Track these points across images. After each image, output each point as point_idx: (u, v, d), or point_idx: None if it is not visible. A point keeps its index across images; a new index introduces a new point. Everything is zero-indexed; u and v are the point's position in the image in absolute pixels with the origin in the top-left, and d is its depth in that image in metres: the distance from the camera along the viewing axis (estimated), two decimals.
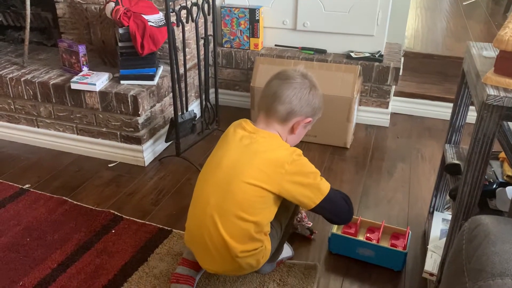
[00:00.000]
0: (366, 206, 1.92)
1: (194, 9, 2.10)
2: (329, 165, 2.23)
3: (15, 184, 2.04)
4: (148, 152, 2.23)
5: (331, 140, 2.38)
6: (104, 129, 2.21)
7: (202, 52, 2.25)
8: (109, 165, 2.22)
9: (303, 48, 2.63)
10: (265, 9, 2.64)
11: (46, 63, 2.44)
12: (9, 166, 2.21)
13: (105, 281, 1.51)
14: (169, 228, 1.76)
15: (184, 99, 2.20)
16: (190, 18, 2.08)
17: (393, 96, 2.71)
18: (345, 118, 2.31)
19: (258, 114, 1.39)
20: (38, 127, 2.35)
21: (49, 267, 1.56)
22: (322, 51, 2.61)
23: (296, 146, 1.38)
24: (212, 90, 2.51)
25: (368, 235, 1.61)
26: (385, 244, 1.56)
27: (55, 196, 1.96)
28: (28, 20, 2.30)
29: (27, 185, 2.04)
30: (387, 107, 2.59)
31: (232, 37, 2.71)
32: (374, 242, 1.54)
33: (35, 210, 1.86)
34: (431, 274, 1.41)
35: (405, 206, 1.93)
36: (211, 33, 2.27)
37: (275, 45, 2.72)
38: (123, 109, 2.11)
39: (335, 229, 1.64)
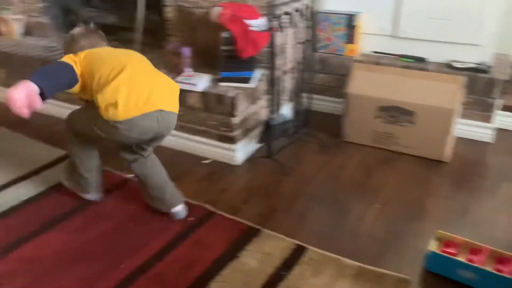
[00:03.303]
0: (465, 225, 1.82)
1: (293, 14, 2.14)
2: (424, 178, 2.14)
3: (120, 174, 2.22)
4: (241, 152, 2.31)
5: (427, 153, 2.28)
6: (201, 128, 2.32)
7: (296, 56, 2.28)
8: (204, 162, 2.33)
9: (402, 56, 2.55)
10: (363, 15, 2.61)
11: (154, 63, 2.61)
12: (116, 157, 2.40)
13: (199, 272, 1.59)
14: (258, 227, 1.80)
15: (278, 102, 2.24)
16: (291, 23, 2.12)
17: (501, 110, 2.52)
18: (444, 130, 2.20)
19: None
20: None
21: (148, 254, 1.68)
22: (422, 60, 2.51)
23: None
24: (305, 95, 2.53)
25: (470, 256, 1.52)
26: (489, 268, 1.46)
27: None
28: (141, 23, 2.49)
29: (131, 175, 2.20)
30: (491, 122, 2.42)
31: (327, 43, 2.70)
32: (477, 264, 1.45)
33: (137, 200, 2.01)
34: None
35: (511, 229, 1.79)
36: (310, 38, 2.29)
37: (373, 52, 2.66)
38: (220, 110, 2.20)
39: (434, 247, 1.57)
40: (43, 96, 1.48)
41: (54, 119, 2.86)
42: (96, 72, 1.64)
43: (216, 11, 2.18)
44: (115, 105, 1.57)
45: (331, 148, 2.42)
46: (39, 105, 1.47)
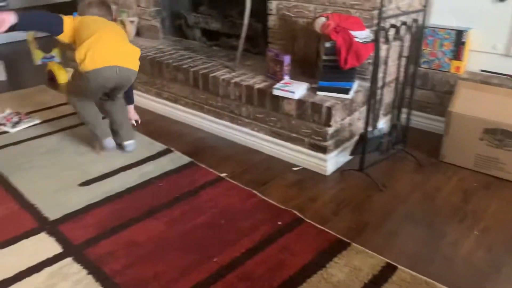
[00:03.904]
0: None
1: (400, 28, 2.09)
2: None
3: (214, 171, 2.32)
4: (332, 162, 2.30)
5: None
6: (294, 135, 2.35)
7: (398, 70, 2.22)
8: (293, 169, 2.35)
9: None
10: (473, 31, 2.47)
11: (252, 68, 2.72)
12: (210, 155, 2.52)
13: (286, 277, 1.61)
14: (347, 240, 1.78)
15: (376, 116, 2.20)
16: (396, 36, 2.07)
17: None
18: None
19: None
20: (237, 125, 2.63)
21: (239, 251, 1.73)
22: None
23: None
24: (403, 110, 2.45)
25: None
26: None
27: (246, 188, 2.16)
28: (245, 30, 2.59)
29: (224, 174, 2.30)
30: None
31: (432, 58, 2.60)
32: None
33: (229, 197, 2.09)
34: None
35: None
36: (413, 52, 2.22)
37: (481, 70, 2.51)
38: (315, 119, 2.22)
39: None
40: (16, 25, 2.08)
41: (156, 115, 3.07)
42: (80, 35, 2.24)
43: (320, 21, 2.20)
44: (84, 60, 2.17)
45: (428, 167, 2.33)
46: (2, 28, 2.05)
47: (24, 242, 1.80)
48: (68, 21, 2.30)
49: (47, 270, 1.65)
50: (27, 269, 1.65)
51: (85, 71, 2.19)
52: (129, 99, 2.62)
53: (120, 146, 2.51)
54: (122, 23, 3.37)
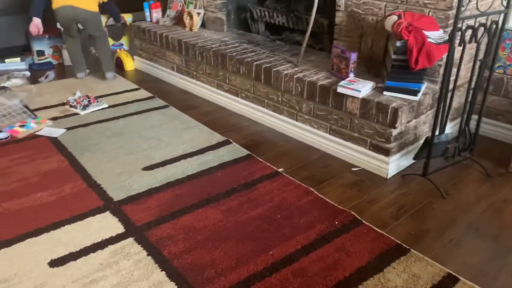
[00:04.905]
0: None
1: (477, 29, 1.98)
2: None
3: (271, 166, 2.33)
4: (393, 165, 2.23)
5: None
6: (355, 134, 2.31)
7: (469, 74, 2.11)
8: (353, 169, 2.31)
9: None
10: None
11: (316, 64, 2.69)
12: (268, 149, 2.53)
13: (341, 277, 1.58)
14: (407, 246, 1.73)
15: (444, 120, 2.11)
16: (472, 38, 1.97)
17: None
18: None
19: None
20: (296, 121, 2.62)
21: (294, 246, 1.73)
22: None
23: None
24: (473, 116, 2.34)
25: None
26: None
27: (303, 184, 2.15)
28: (311, 25, 2.56)
29: (281, 169, 2.30)
30: None
31: (508, 63, 2.46)
32: None
33: (285, 192, 2.09)
34: None
35: None
36: (488, 56, 2.11)
37: None
38: (380, 119, 2.16)
39: None
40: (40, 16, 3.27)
41: (216, 106, 3.12)
42: None
43: (391, 20, 2.13)
44: (52, 2, 3.22)
45: (495, 178, 2.20)
46: (40, 27, 3.30)
47: (90, 219, 1.90)
48: None
49: (110, 248, 1.73)
50: (92, 245, 1.74)
51: (53, 9, 3.23)
52: (116, 20, 3.83)
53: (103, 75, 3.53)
54: (189, 14, 3.44)
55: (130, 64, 3.79)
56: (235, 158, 2.40)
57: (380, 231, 1.82)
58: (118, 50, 3.87)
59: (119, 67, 3.88)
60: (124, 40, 3.85)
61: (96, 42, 3.42)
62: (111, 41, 3.84)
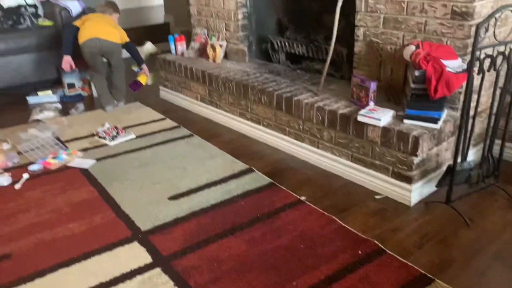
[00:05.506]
0: None
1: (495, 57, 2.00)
2: None
3: (293, 194, 2.36)
4: (416, 193, 2.24)
5: None
6: (377, 162, 2.33)
7: (490, 100, 2.12)
8: (376, 197, 2.32)
9: None
10: None
11: (336, 93, 2.74)
12: (290, 177, 2.56)
13: None
14: (431, 276, 1.72)
15: (465, 147, 2.12)
16: (491, 67, 1.99)
17: None
18: None
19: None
20: (318, 148, 2.65)
21: (318, 277, 1.75)
22: None
23: None
24: (496, 141, 2.33)
25: None
26: None
27: (325, 213, 2.17)
28: (330, 55, 2.62)
29: (303, 197, 2.33)
30: None
31: None
32: None
33: (308, 222, 2.12)
34: None
35: None
36: (509, 82, 2.11)
37: None
38: (401, 147, 2.18)
39: None
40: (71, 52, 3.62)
41: (239, 134, 3.19)
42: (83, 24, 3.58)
43: (409, 50, 2.17)
44: (79, 38, 3.53)
45: None
46: (72, 63, 3.62)
47: (119, 249, 1.96)
48: (79, 22, 3.60)
49: (138, 278, 1.78)
50: (121, 275, 1.80)
51: (80, 44, 3.51)
52: (138, 61, 3.80)
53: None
54: (212, 47, 3.56)
55: (144, 79, 3.74)
56: (258, 186, 2.44)
57: (404, 261, 1.82)
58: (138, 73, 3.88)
59: (135, 83, 3.79)
60: (150, 77, 3.88)
61: (114, 71, 3.70)
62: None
